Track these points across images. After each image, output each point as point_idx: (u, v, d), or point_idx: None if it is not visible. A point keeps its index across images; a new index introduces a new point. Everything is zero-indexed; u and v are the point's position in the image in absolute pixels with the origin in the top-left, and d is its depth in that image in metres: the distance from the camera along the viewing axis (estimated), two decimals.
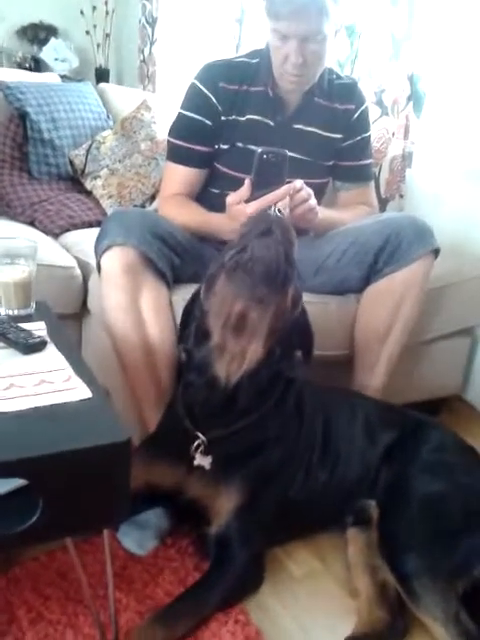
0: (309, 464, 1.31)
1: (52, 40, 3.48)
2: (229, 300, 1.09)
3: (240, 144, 1.60)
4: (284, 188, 1.35)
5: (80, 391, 1.00)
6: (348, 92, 1.67)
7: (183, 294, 1.38)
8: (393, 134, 2.06)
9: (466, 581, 1.11)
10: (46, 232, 1.95)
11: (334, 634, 1.15)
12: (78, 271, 1.69)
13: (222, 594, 1.15)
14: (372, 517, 1.29)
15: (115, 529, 1.27)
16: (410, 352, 1.67)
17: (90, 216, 2.05)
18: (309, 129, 1.64)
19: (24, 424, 0.92)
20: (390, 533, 1.21)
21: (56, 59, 3.47)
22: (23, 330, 1.13)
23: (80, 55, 3.55)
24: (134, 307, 1.39)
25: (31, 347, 1.09)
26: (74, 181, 2.19)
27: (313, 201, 1.43)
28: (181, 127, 1.63)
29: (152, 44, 3.23)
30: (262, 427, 1.23)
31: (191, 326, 1.23)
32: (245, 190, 1.37)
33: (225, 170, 1.64)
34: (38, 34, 3.50)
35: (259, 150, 1.35)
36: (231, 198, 1.40)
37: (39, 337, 1.12)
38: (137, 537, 1.26)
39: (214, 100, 1.58)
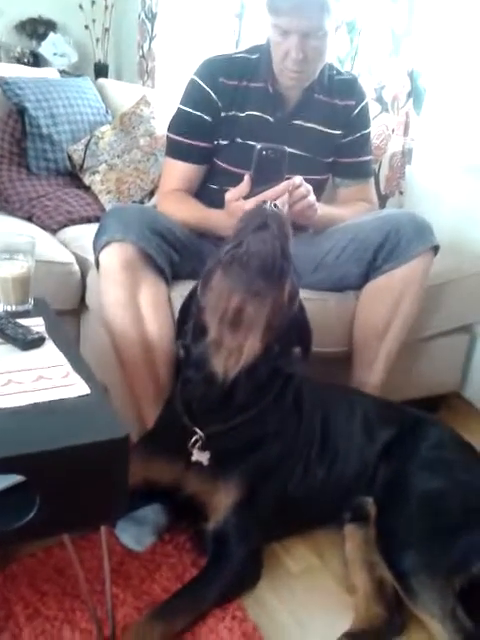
0: (307, 460, 1.31)
1: (51, 35, 3.47)
2: (225, 295, 1.09)
3: (239, 140, 1.60)
4: (283, 184, 1.35)
5: (78, 387, 1.00)
6: (348, 88, 1.66)
7: (182, 290, 1.38)
8: (393, 130, 2.06)
9: (463, 578, 1.12)
10: (44, 227, 1.95)
11: (331, 630, 1.15)
12: (76, 267, 1.69)
13: (220, 590, 1.15)
14: (370, 514, 1.29)
15: (112, 525, 1.27)
16: (409, 349, 1.67)
17: (88, 211, 2.04)
18: (309, 125, 1.64)
19: (22, 420, 0.92)
20: (388, 530, 1.22)
21: (55, 54, 3.46)
22: (21, 326, 1.13)
23: (79, 50, 3.54)
24: (133, 303, 1.38)
25: (29, 343, 1.09)
26: (72, 176, 2.19)
27: (312, 197, 1.43)
28: (180, 123, 1.63)
29: (151, 39, 3.22)
30: (260, 423, 1.23)
31: (189, 322, 1.23)
32: (244, 186, 1.37)
33: (224, 166, 1.63)
34: (37, 29, 3.49)
35: (258, 146, 1.35)
36: (230, 194, 1.40)
37: (37, 333, 1.12)
38: (135, 533, 1.26)
39: (214, 96, 1.58)
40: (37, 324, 1.17)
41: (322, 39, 1.47)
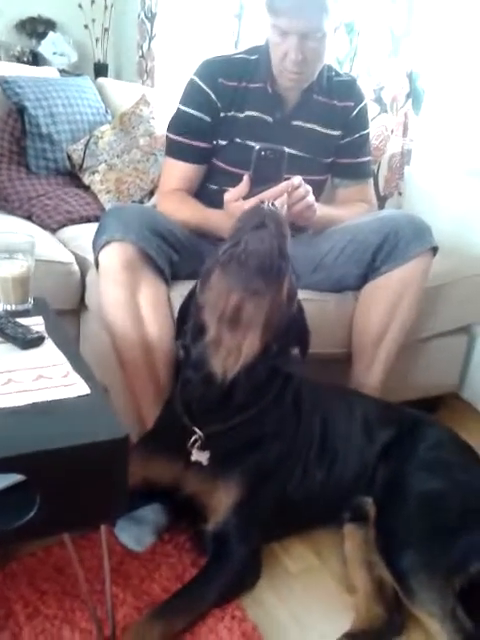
0: (307, 461, 1.31)
1: (50, 34, 3.48)
2: (224, 293, 1.09)
3: (239, 140, 1.60)
4: (282, 185, 1.35)
5: (78, 387, 1.00)
6: (347, 89, 1.67)
7: (181, 291, 1.38)
8: (392, 131, 2.06)
9: (462, 578, 1.12)
10: (44, 227, 1.94)
11: (331, 629, 1.15)
12: (76, 266, 1.68)
13: (219, 590, 1.15)
14: (369, 514, 1.29)
15: (112, 525, 1.27)
16: (407, 350, 1.67)
17: (88, 211, 2.04)
18: (308, 126, 1.64)
19: (22, 420, 0.92)
20: (387, 530, 1.22)
21: (54, 53, 3.46)
22: (21, 325, 1.13)
23: (78, 49, 3.54)
24: (132, 303, 1.39)
25: (29, 342, 1.09)
26: (72, 176, 2.19)
27: (311, 198, 1.43)
28: (180, 123, 1.63)
29: (151, 39, 3.22)
30: (260, 423, 1.24)
31: (188, 322, 1.23)
32: (243, 187, 1.38)
33: (223, 166, 1.64)
34: (36, 28, 3.49)
35: (257, 147, 1.35)
36: (229, 195, 1.40)
37: (37, 332, 1.12)
38: (134, 533, 1.26)
39: (213, 96, 1.58)
40: (37, 323, 1.17)
41: (321, 40, 1.47)
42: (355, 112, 1.67)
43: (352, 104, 1.67)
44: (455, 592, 1.09)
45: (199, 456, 1.22)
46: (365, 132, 1.72)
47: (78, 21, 3.47)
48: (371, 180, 1.83)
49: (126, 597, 1.15)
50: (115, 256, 1.37)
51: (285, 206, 1.34)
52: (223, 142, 1.62)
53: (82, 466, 0.88)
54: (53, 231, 1.94)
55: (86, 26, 3.49)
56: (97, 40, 3.53)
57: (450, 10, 1.93)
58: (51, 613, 1.10)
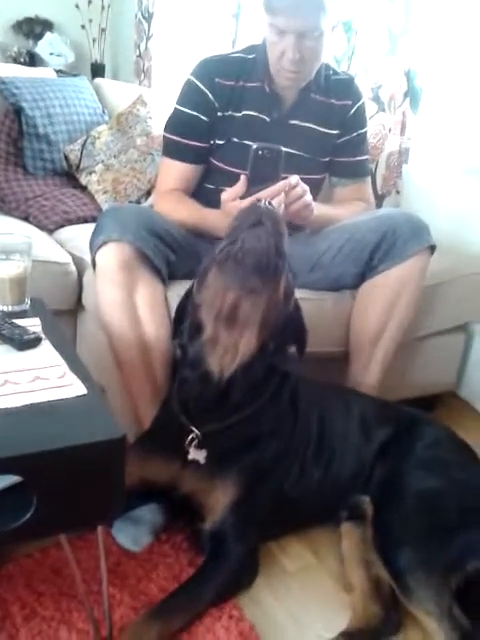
0: (304, 460, 1.31)
1: (47, 34, 3.47)
2: (220, 292, 1.10)
3: (236, 139, 1.60)
4: (279, 184, 1.35)
5: (75, 388, 1.00)
6: (345, 88, 1.66)
7: (179, 290, 1.38)
8: (390, 130, 2.06)
9: (459, 576, 1.12)
10: (41, 227, 1.94)
11: (328, 628, 1.15)
12: (73, 267, 1.68)
13: (217, 589, 1.15)
14: (366, 513, 1.29)
15: (109, 525, 1.27)
16: (405, 349, 1.67)
17: (85, 211, 2.04)
18: (305, 125, 1.64)
19: (18, 421, 0.92)
20: (384, 528, 1.22)
21: (51, 54, 3.46)
22: (18, 326, 1.13)
23: (75, 50, 3.53)
24: (129, 303, 1.38)
25: (26, 343, 1.09)
26: (69, 176, 2.18)
27: (308, 197, 1.43)
28: (177, 123, 1.63)
29: (148, 39, 3.22)
30: (257, 421, 1.24)
31: (185, 322, 1.23)
32: (240, 186, 1.37)
33: (221, 165, 1.63)
34: (33, 28, 3.48)
35: (254, 146, 1.35)
36: (226, 195, 1.40)
37: (34, 333, 1.12)
38: (131, 533, 1.26)
39: (210, 96, 1.58)
40: (33, 324, 1.17)
41: (318, 39, 1.47)
42: (353, 111, 1.67)
43: (350, 103, 1.67)
44: (452, 590, 1.10)
45: (196, 455, 1.22)
46: (363, 131, 1.72)
47: (75, 21, 3.46)
48: (369, 179, 1.83)
49: (123, 597, 1.15)
50: (112, 256, 1.37)
51: (282, 205, 1.34)
52: (220, 142, 1.62)
53: (79, 467, 0.88)
54: (50, 232, 1.93)
55: (83, 26, 3.48)
56: (94, 40, 3.53)
57: (448, 9, 1.93)
58: (48, 614, 1.10)
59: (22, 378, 1.01)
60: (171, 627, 1.08)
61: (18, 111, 2.10)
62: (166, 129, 1.66)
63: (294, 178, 1.39)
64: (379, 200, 2.09)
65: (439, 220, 1.81)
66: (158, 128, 2.02)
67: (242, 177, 1.38)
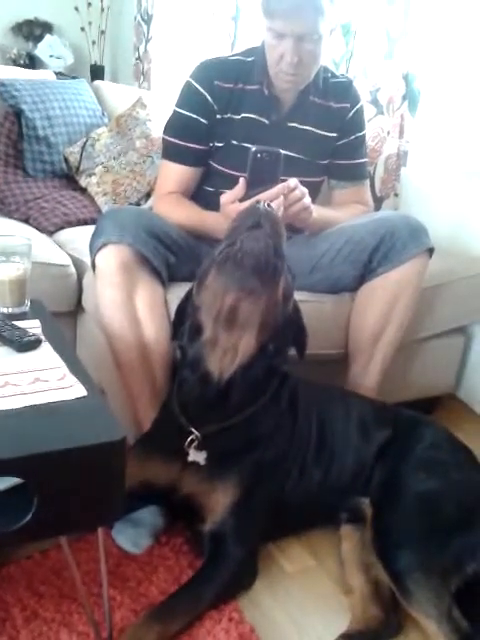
0: (304, 462, 1.31)
1: (47, 37, 3.48)
2: (220, 293, 1.10)
3: (235, 142, 1.61)
4: (278, 187, 1.35)
5: (75, 389, 1.00)
6: (343, 91, 1.67)
7: (178, 293, 1.38)
8: (388, 133, 2.07)
9: (459, 578, 1.12)
10: (40, 230, 1.94)
11: (328, 630, 1.15)
12: (73, 269, 1.69)
13: (216, 590, 1.15)
14: (366, 515, 1.29)
15: (109, 527, 1.27)
16: (404, 351, 1.67)
17: (85, 214, 2.04)
18: (304, 128, 1.64)
19: (19, 422, 0.92)
20: (384, 530, 1.22)
21: (51, 56, 3.46)
22: (18, 328, 1.13)
23: (75, 52, 3.54)
24: (129, 305, 1.39)
25: (26, 345, 1.09)
26: (69, 178, 2.19)
27: (307, 200, 1.44)
28: (176, 125, 1.63)
29: (147, 41, 3.22)
30: (256, 423, 1.24)
31: (185, 323, 1.23)
32: (239, 189, 1.38)
33: (220, 168, 1.64)
34: (33, 31, 3.49)
35: (253, 149, 1.35)
36: (225, 197, 1.40)
37: (34, 335, 1.12)
38: (131, 535, 1.27)
39: (209, 98, 1.58)
40: (33, 326, 1.17)
41: (317, 42, 1.48)
42: (351, 114, 1.68)
43: (348, 106, 1.67)
44: (451, 592, 1.10)
45: (196, 456, 1.22)
46: (361, 134, 1.72)
47: (75, 24, 3.47)
48: (368, 182, 1.84)
49: (123, 600, 1.15)
50: (112, 258, 1.37)
51: (281, 208, 1.35)
52: (219, 144, 1.62)
53: (79, 468, 0.89)
54: (50, 234, 1.94)
55: (83, 29, 3.49)
56: (94, 43, 3.54)
57: (446, 12, 1.93)
58: (48, 616, 1.10)
59: (22, 380, 1.01)
60: (171, 629, 1.08)
61: (18, 113, 2.11)
62: (165, 132, 1.66)
63: (293, 181, 1.39)
64: (378, 203, 2.10)
65: (437, 223, 1.82)
66: (157, 130, 2.03)
67: (241, 180, 1.38)
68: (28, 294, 1.25)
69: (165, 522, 1.31)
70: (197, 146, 1.62)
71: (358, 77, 2.11)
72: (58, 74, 2.89)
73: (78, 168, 2.16)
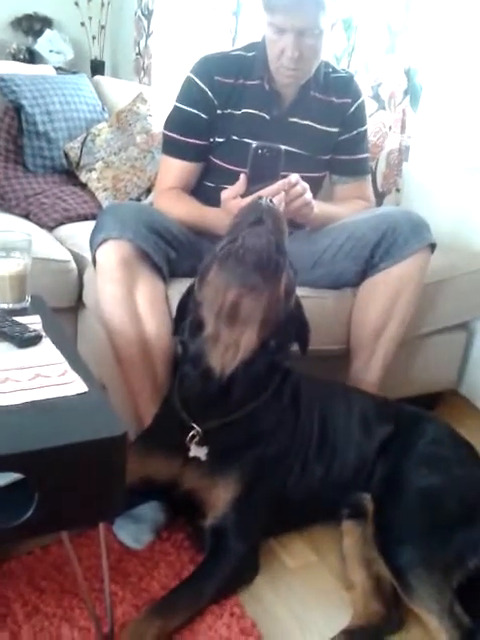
0: (305, 457, 1.31)
1: (47, 32, 3.46)
2: (222, 289, 1.10)
3: (236, 137, 1.60)
4: (279, 183, 1.35)
5: (76, 385, 0.99)
6: (344, 86, 1.66)
7: (179, 288, 1.38)
8: (390, 128, 2.06)
9: (460, 574, 1.12)
10: (41, 225, 1.94)
11: (329, 625, 1.15)
12: (73, 264, 1.68)
13: (217, 585, 1.16)
14: (368, 510, 1.29)
15: (111, 523, 1.27)
16: (406, 346, 1.67)
17: (85, 209, 2.04)
18: (305, 123, 1.64)
19: (19, 418, 0.92)
20: (385, 525, 1.22)
21: (51, 51, 3.45)
22: (18, 324, 1.13)
23: (75, 47, 3.53)
24: (130, 301, 1.38)
25: (26, 341, 1.09)
26: (69, 174, 2.18)
27: (308, 195, 1.43)
28: (177, 120, 1.63)
29: (148, 36, 3.21)
30: (258, 419, 1.24)
31: (186, 319, 1.23)
32: (240, 185, 1.37)
33: (220, 163, 1.63)
34: (33, 25, 3.48)
35: (254, 145, 1.35)
36: (226, 193, 1.40)
37: (34, 331, 1.12)
38: (133, 531, 1.27)
39: (210, 94, 1.58)
40: (34, 322, 1.17)
41: (318, 37, 1.47)
42: (353, 109, 1.67)
43: (349, 101, 1.66)
44: (453, 588, 1.10)
45: (197, 452, 1.22)
46: (363, 129, 1.71)
47: (75, 18, 3.45)
48: (369, 177, 1.83)
49: (125, 595, 1.15)
50: (112, 254, 1.37)
51: (283, 204, 1.34)
52: (220, 139, 1.62)
53: (80, 464, 0.88)
54: (50, 229, 1.93)
55: (83, 23, 3.48)
56: (94, 37, 3.52)
57: (448, 6, 1.92)
58: (50, 611, 1.10)
59: (23, 376, 1.00)
60: (172, 624, 1.08)
61: (18, 109, 2.10)
62: (165, 127, 1.66)
63: (294, 176, 1.39)
64: (379, 198, 2.09)
65: (439, 218, 1.81)
66: (158, 126, 2.02)
67: (242, 176, 1.38)
68: (28, 290, 1.24)
69: (166, 518, 1.31)
70: (197, 141, 1.61)
71: (359, 72, 2.10)
72: (58, 69, 2.87)
73: (78, 163, 2.15)
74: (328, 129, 1.66)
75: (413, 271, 1.51)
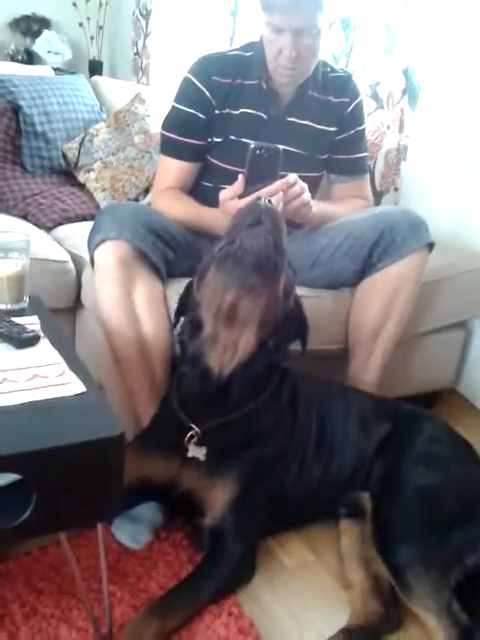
0: (304, 457, 1.31)
1: (45, 32, 3.46)
2: (220, 290, 1.10)
3: (233, 137, 1.60)
4: (277, 183, 1.35)
5: (74, 386, 1.00)
6: (342, 85, 1.66)
7: (177, 288, 1.38)
8: (388, 127, 2.06)
9: (458, 572, 1.12)
10: (39, 226, 1.94)
11: (327, 624, 1.15)
12: (71, 265, 1.68)
13: (215, 585, 1.16)
14: (366, 509, 1.29)
15: (109, 523, 1.27)
16: (404, 345, 1.67)
17: (83, 209, 2.04)
18: (303, 122, 1.64)
19: (17, 419, 0.92)
20: (383, 524, 1.22)
21: (49, 51, 3.45)
22: (16, 324, 1.13)
23: (73, 47, 3.53)
24: (128, 301, 1.38)
25: (24, 341, 1.09)
26: (67, 174, 2.18)
27: (307, 195, 1.43)
28: (174, 120, 1.63)
29: (146, 36, 3.21)
30: (256, 419, 1.24)
31: (185, 318, 1.23)
32: (238, 185, 1.37)
33: (218, 163, 1.63)
34: (31, 26, 3.48)
35: (252, 145, 1.35)
36: (224, 194, 1.40)
37: (32, 331, 1.12)
38: (131, 531, 1.27)
39: (208, 94, 1.58)
40: (32, 322, 1.17)
41: (315, 37, 1.47)
42: (351, 108, 1.67)
43: (347, 100, 1.66)
44: (451, 586, 1.10)
45: (196, 452, 1.22)
46: (361, 128, 1.71)
47: (73, 19, 3.45)
48: (367, 176, 1.83)
49: (123, 595, 1.15)
50: (110, 254, 1.37)
51: (281, 204, 1.34)
52: (218, 139, 1.62)
53: (78, 464, 0.89)
54: (48, 230, 1.93)
55: (81, 24, 3.47)
56: (92, 38, 3.52)
57: (446, 5, 1.92)
58: (48, 612, 1.10)
59: (21, 376, 1.01)
60: (170, 624, 1.08)
61: (16, 109, 2.10)
62: (163, 127, 1.66)
63: (292, 176, 1.39)
64: (377, 197, 2.09)
65: (438, 217, 1.82)
66: (156, 126, 2.02)
67: (240, 176, 1.38)
68: (27, 290, 1.24)
69: (164, 518, 1.31)
70: (195, 141, 1.61)
71: (357, 71, 2.10)
72: (56, 70, 2.88)
73: (76, 164, 2.15)
74: (326, 128, 1.66)
75: (411, 270, 1.51)
